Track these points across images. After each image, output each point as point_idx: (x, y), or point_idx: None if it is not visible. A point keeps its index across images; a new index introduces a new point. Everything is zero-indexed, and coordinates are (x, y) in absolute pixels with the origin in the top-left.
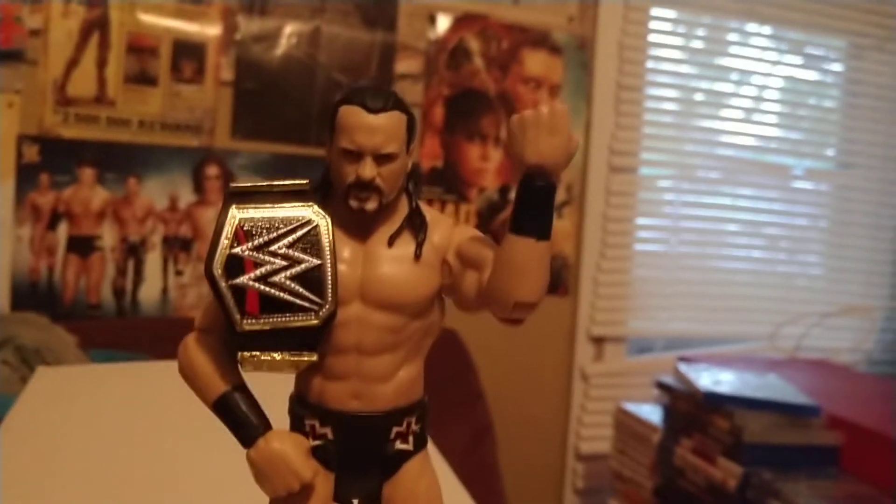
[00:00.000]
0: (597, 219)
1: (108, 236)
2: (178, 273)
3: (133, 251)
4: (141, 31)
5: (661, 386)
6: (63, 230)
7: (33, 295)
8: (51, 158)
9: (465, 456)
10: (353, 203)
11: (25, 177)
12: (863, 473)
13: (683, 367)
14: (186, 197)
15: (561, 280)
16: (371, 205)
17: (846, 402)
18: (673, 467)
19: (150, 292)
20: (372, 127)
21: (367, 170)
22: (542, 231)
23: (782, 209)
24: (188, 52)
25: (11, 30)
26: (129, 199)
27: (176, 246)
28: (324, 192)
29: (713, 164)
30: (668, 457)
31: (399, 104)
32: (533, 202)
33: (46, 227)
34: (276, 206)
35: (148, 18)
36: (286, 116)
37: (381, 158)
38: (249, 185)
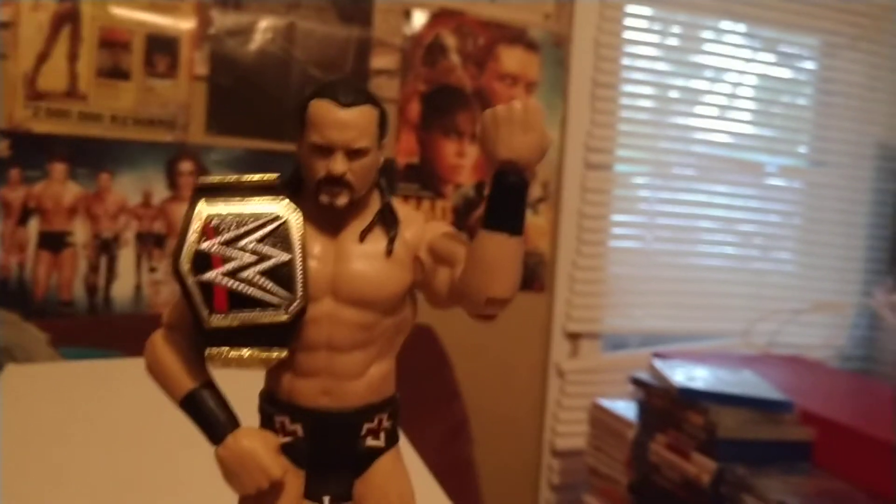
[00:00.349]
0: (572, 215)
1: (80, 232)
2: (152, 270)
3: (106, 247)
4: (113, 24)
5: (636, 382)
6: (34, 226)
7: (3, 292)
8: (21, 153)
9: (440, 452)
10: (324, 198)
11: None
12: (835, 468)
13: (658, 363)
14: (160, 193)
15: (536, 276)
16: (342, 200)
17: (819, 398)
18: (648, 463)
19: (123, 289)
20: (343, 122)
21: (338, 165)
22: (514, 227)
23: (756, 206)
24: (162, 47)
25: None
26: (101, 195)
27: (149, 242)
28: (294, 188)
29: (688, 161)
30: (643, 452)
31: (370, 98)
32: (505, 198)
33: (17, 222)
34: (245, 201)
35: (120, 12)
36: (261, 112)
37: (353, 154)
38: (218, 180)
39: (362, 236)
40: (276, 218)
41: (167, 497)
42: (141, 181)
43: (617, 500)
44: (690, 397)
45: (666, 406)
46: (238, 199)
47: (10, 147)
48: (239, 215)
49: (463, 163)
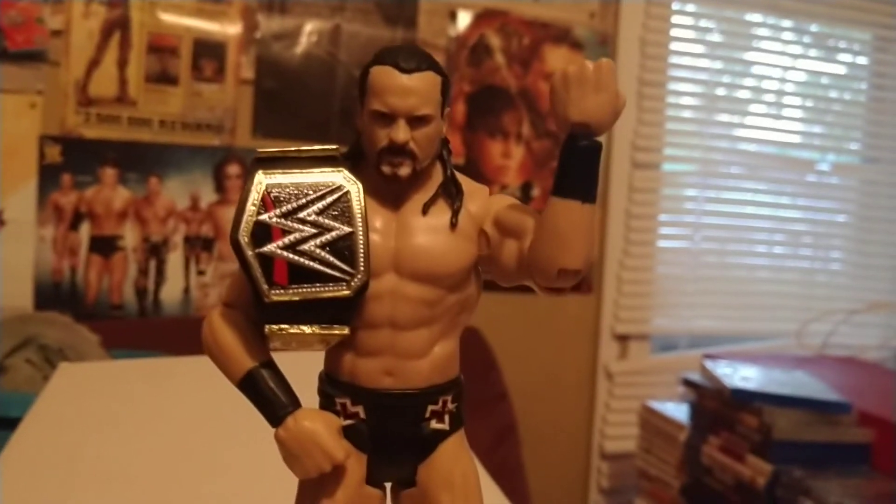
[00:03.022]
0: (620, 215)
1: (129, 236)
2: (200, 273)
3: (155, 251)
4: (161, 30)
5: (688, 383)
6: (85, 230)
7: (56, 295)
8: (73, 159)
9: (489, 455)
10: (386, 169)
11: (48, 177)
12: (894, 471)
13: (710, 365)
14: (208, 196)
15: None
16: (405, 171)
17: (876, 400)
18: (700, 466)
19: (171, 292)
20: (405, 88)
21: (401, 133)
22: (586, 193)
23: (806, 204)
24: (208, 51)
25: (33, 31)
26: (150, 199)
27: (197, 245)
28: (354, 159)
29: (736, 159)
30: (696, 455)
31: (433, 65)
32: (577, 163)
33: (69, 227)
34: (304, 171)
35: (168, 18)
36: (307, 115)
37: (415, 121)
38: (277, 151)
39: (425, 209)
40: (337, 189)
41: (217, 494)
42: (189, 185)
43: (668, 503)
44: (744, 398)
45: (718, 407)
46: (297, 169)
47: (61, 153)
48: (298, 186)
49: (509, 163)
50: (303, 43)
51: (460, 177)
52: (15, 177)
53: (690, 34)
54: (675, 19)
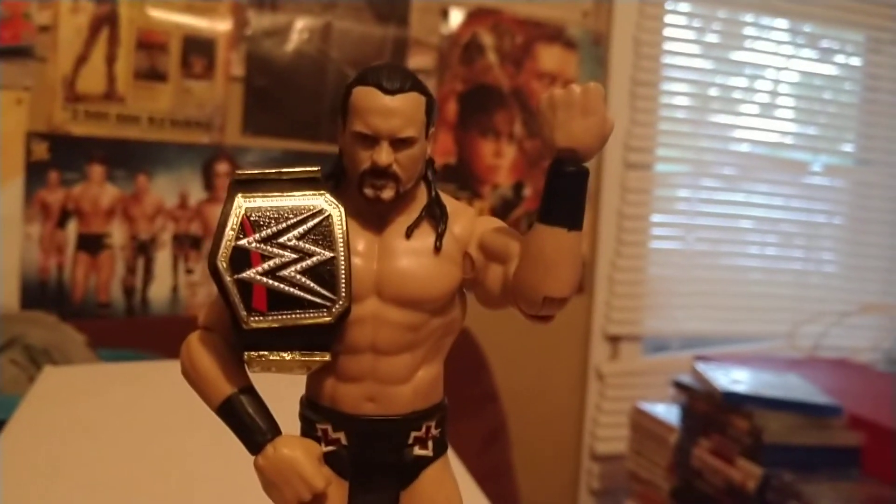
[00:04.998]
0: (612, 216)
1: (117, 234)
2: (189, 271)
3: (143, 249)
4: (150, 26)
5: (679, 385)
6: (72, 228)
7: (42, 293)
8: (60, 156)
9: (478, 456)
10: (369, 192)
11: (34, 174)
12: (885, 475)
13: (701, 367)
14: (197, 194)
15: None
16: (388, 193)
17: (867, 402)
18: (690, 468)
19: (160, 291)
20: (388, 109)
21: (384, 155)
22: (573, 220)
23: (799, 206)
24: (198, 48)
25: (20, 26)
26: (138, 197)
27: (186, 244)
28: (336, 181)
29: (729, 160)
30: (686, 458)
31: (417, 85)
32: (563, 189)
33: (56, 225)
34: (285, 194)
35: (157, 14)
36: (297, 112)
37: (399, 143)
38: (257, 172)
39: (409, 232)
40: (318, 213)
41: (204, 501)
42: (177, 183)
43: None
44: (735, 401)
45: (709, 410)
46: (277, 192)
47: (48, 150)
48: (279, 210)
49: (500, 163)
50: (293, 40)
51: (445, 197)
52: (2, 174)
53: (684, 34)
54: (668, 19)
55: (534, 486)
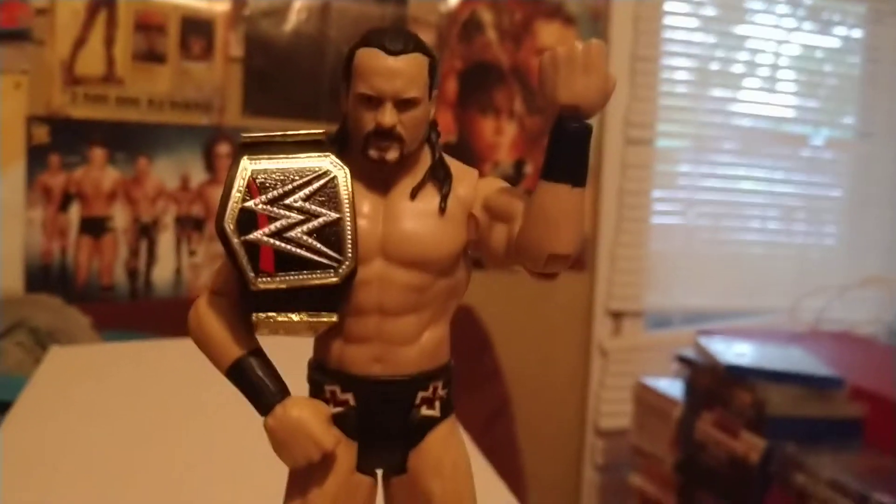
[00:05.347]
0: (613, 192)
1: (119, 217)
2: (192, 253)
3: (145, 232)
4: (148, 8)
5: (682, 360)
6: (75, 211)
7: (46, 277)
8: (60, 139)
9: (482, 432)
10: (373, 153)
11: (35, 158)
12: (887, 446)
13: (704, 341)
14: (198, 176)
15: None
16: (392, 155)
17: (869, 374)
18: (694, 442)
19: (163, 273)
20: (392, 70)
21: (388, 116)
22: (576, 177)
23: (800, 180)
24: (196, 29)
25: (17, 9)
26: (139, 179)
27: (188, 226)
28: (341, 144)
29: (730, 134)
30: (689, 431)
31: (420, 46)
32: (566, 147)
33: (58, 208)
34: (290, 156)
35: None
36: (297, 92)
37: (403, 104)
38: (262, 135)
39: (413, 193)
40: (324, 174)
41: (209, 479)
42: (178, 165)
43: (662, 479)
44: (738, 374)
45: (712, 384)
46: (283, 155)
47: (49, 133)
48: (284, 171)
49: (501, 140)
50: (292, 20)
51: (449, 160)
52: (2, 158)
53: (684, 8)
54: None
55: (538, 462)
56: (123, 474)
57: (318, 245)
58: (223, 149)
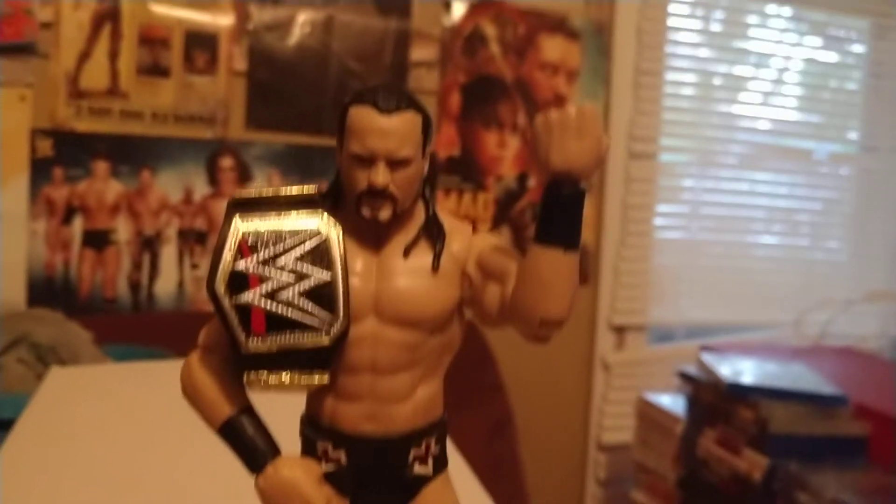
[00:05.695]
0: (616, 206)
1: (122, 230)
2: (194, 266)
3: (148, 245)
4: (152, 21)
5: (684, 376)
6: (78, 224)
7: (49, 290)
8: (64, 152)
9: (485, 447)
10: (366, 212)
11: (39, 171)
12: (891, 464)
13: (707, 357)
14: (201, 189)
15: (581, 268)
16: (385, 214)
17: (874, 391)
18: (696, 458)
19: (165, 286)
20: (384, 130)
21: (380, 176)
22: (569, 241)
23: (804, 194)
24: (200, 43)
25: (22, 23)
26: (143, 192)
27: (191, 239)
28: (334, 200)
29: (733, 148)
30: (692, 448)
31: (413, 104)
32: (560, 210)
33: (61, 221)
34: (282, 215)
35: (159, 9)
36: (300, 106)
37: (395, 164)
38: (254, 194)
39: (407, 251)
40: (316, 234)
41: (213, 496)
42: (182, 178)
43: (664, 495)
44: (741, 392)
45: (715, 400)
46: (275, 213)
47: (53, 146)
48: (276, 232)
49: (504, 154)
50: (295, 34)
51: (442, 215)
52: (6, 170)
53: (687, 22)
54: (671, 7)
55: (540, 477)
56: (125, 496)
57: (310, 306)
58: (226, 162)
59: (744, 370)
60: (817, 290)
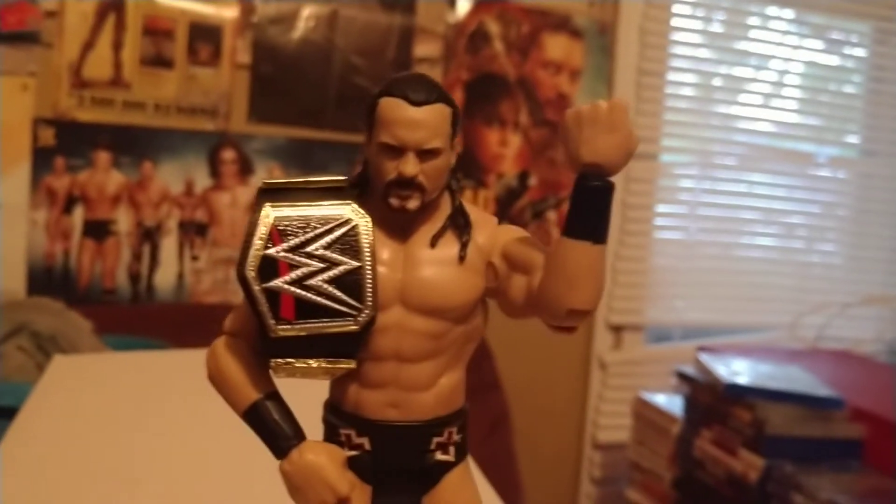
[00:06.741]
0: (615, 206)
1: (123, 221)
2: (194, 258)
3: (148, 236)
4: (157, 13)
5: (682, 376)
6: (79, 214)
7: (48, 279)
8: (66, 142)
9: (481, 444)
10: (394, 202)
11: (41, 160)
12: (886, 467)
13: (704, 358)
14: (202, 181)
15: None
16: (413, 204)
17: (869, 394)
18: (692, 459)
19: (165, 277)
20: (415, 121)
21: (410, 166)
22: (597, 235)
23: (803, 197)
24: (204, 35)
25: (26, 11)
26: (144, 184)
27: (191, 231)
28: (361, 190)
29: (734, 150)
30: (688, 448)
31: (443, 96)
32: (588, 204)
33: (62, 211)
34: (312, 203)
35: (164, 1)
36: (303, 100)
37: (424, 154)
38: (283, 181)
39: (433, 241)
40: (345, 222)
41: (213, 490)
42: (183, 170)
43: (659, 495)
44: (738, 392)
45: (712, 401)
46: (304, 201)
47: (55, 136)
48: (306, 219)
49: (505, 152)
50: (300, 28)
51: (468, 206)
52: (8, 160)
53: (690, 23)
54: (675, 8)
55: (536, 475)
56: (127, 485)
57: (338, 293)
58: (228, 155)
59: (741, 371)
60: (814, 293)
